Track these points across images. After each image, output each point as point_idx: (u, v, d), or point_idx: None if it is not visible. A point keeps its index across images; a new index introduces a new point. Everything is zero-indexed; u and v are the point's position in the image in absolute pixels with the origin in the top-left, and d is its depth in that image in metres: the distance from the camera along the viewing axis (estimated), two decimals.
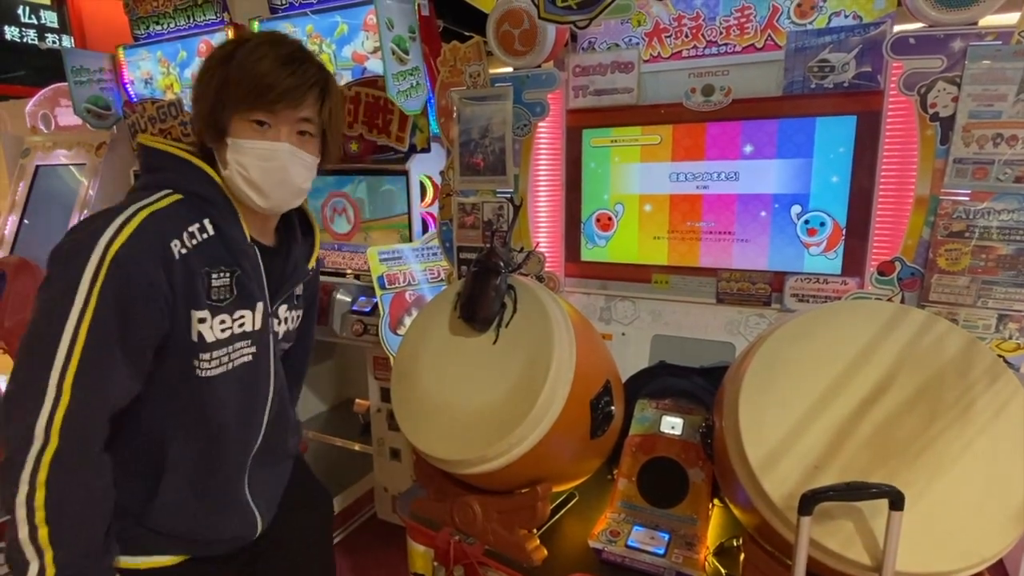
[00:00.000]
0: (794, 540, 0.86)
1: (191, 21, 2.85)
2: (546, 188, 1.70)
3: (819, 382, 0.99)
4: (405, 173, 2.24)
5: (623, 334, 1.63)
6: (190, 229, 1.01)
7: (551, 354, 1.09)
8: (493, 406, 1.11)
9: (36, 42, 4.38)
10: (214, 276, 1.02)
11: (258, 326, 1.11)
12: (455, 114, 1.68)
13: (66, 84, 3.04)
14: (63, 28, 4.52)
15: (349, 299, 2.30)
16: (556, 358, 1.09)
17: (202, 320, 1.01)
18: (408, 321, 2.09)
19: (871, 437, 0.93)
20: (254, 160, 1.04)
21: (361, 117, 2.25)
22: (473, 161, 1.67)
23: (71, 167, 3.24)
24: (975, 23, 1.15)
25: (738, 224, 1.51)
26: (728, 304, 1.52)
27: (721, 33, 1.51)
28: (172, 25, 2.93)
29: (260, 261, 1.12)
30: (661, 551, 1.09)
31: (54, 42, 4.44)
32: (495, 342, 1.18)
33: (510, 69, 1.63)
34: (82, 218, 1.00)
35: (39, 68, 4.24)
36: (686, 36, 1.55)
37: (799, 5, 1.42)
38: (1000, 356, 1.07)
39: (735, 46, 1.50)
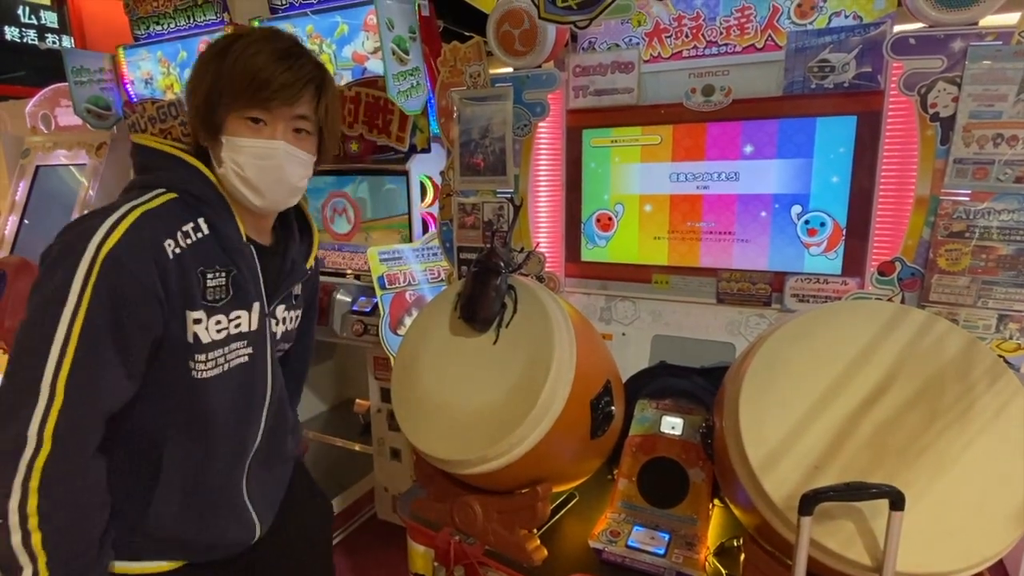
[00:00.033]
0: (794, 540, 0.86)
1: (191, 21, 2.85)
2: (546, 188, 1.70)
3: (819, 382, 0.99)
4: (405, 173, 2.24)
5: (623, 334, 1.63)
6: (184, 228, 0.99)
7: (551, 354, 1.09)
8: (493, 406, 1.11)
9: (36, 42, 4.38)
10: (209, 276, 1.01)
11: (255, 327, 1.09)
12: (455, 114, 1.68)
13: (66, 84, 3.04)
14: (63, 28, 4.52)
15: (349, 299, 2.30)
16: (556, 358, 1.09)
17: (197, 321, 0.99)
18: (408, 321, 2.09)
19: (871, 437, 0.93)
20: (249, 158, 1.03)
21: (361, 117, 2.25)
22: (473, 161, 1.67)
23: (71, 167, 3.24)
24: (975, 23, 1.15)
25: (738, 224, 1.51)
26: (728, 304, 1.52)
27: (721, 33, 1.51)
28: (172, 25, 2.93)
29: (256, 261, 1.10)
30: (661, 551, 1.10)
31: (54, 42, 4.44)
32: (495, 342, 1.18)
33: (510, 69, 1.63)
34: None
35: (39, 68, 4.23)
36: (686, 36, 1.55)
37: (799, 5, 1.42)
38: (1000, 356, 1.07)
39: (735, 46, 1.50)
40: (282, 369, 1.23)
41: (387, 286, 2.10)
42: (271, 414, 1.15)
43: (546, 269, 1.66)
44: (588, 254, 1.71)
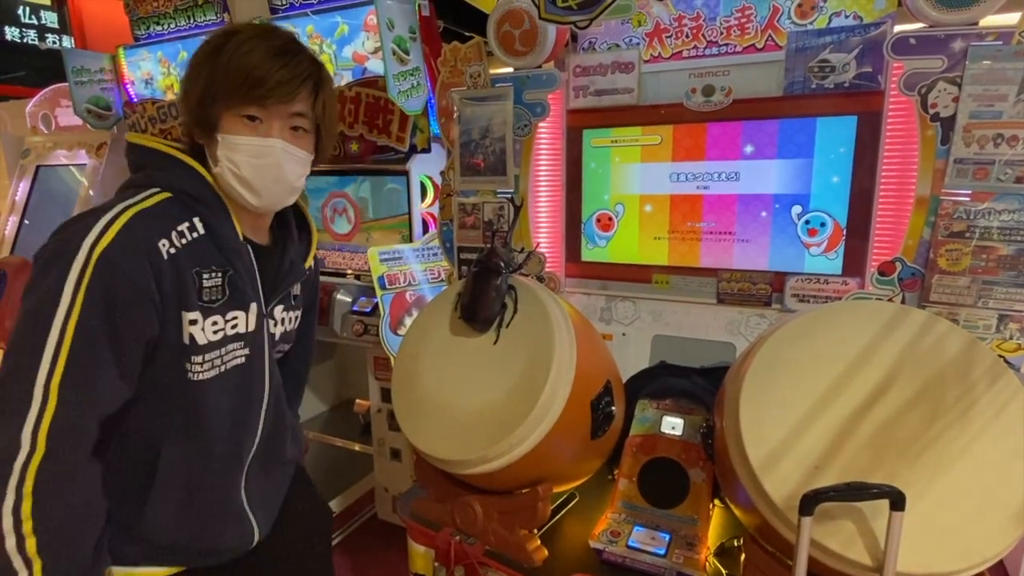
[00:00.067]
0: (795, 540, 0.86)
1: (191, 21, 2.86)
2: (546, 188, 1.70)
3: (820, 382, 0.99)
4: (406, 173, 2.24)
5: (623, 334, 1.63)
6: (179, 228, 0.98)
7: (552, 354, 1.09)
8: (494, 406, 1.11)
9: (36, 42, 4.38)
10: (205, 276, 0.99)
11: (252, 327, 1.08)
12: (456, 114, 1.68)
13: (66, 84, 3.03)
14: (63, 28, 4.52)
15: (349, 299, 2.30)
16: (557, 358, 1.09)
17: (193, 322, 0.98)
18: (408, 321, 2.09)
19: (872, 437, 0.93)
20: (245, 157, 1.01)
21: (362, 117, 2.25)
22: (473, 161, 1.67)
23: (72, 167, 3.24)
24: (976, 23, 1.15)
25: (739, 224, 1.51)
26: (729, 304, 1.52)
27: (722, 33, 1.51)
28: (172, 25, 2.93)
29: (253, 260, 1.08)
30: (662, 551, 1.10)
31: (54, 42, 4.44)
32: (496, 342, 1.18)
33: (511, 69, 1.63)
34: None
35: (39, 68, 4.23)
36: (686, 36, 1.55)
37: (799, 5, 1.42)
38: (1001, 356, 1.07)
39: (736, 46, 1.50)
40: (282, 370, 1.22)
41: (387, 286, 2.10)
42: (269, 416, 1.14)
43: (546, 269, 1.66)
44: (588, 254, 1.71)
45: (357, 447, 2.49)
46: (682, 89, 1.49)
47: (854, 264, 1.39)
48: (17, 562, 0.84)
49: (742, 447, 0.96)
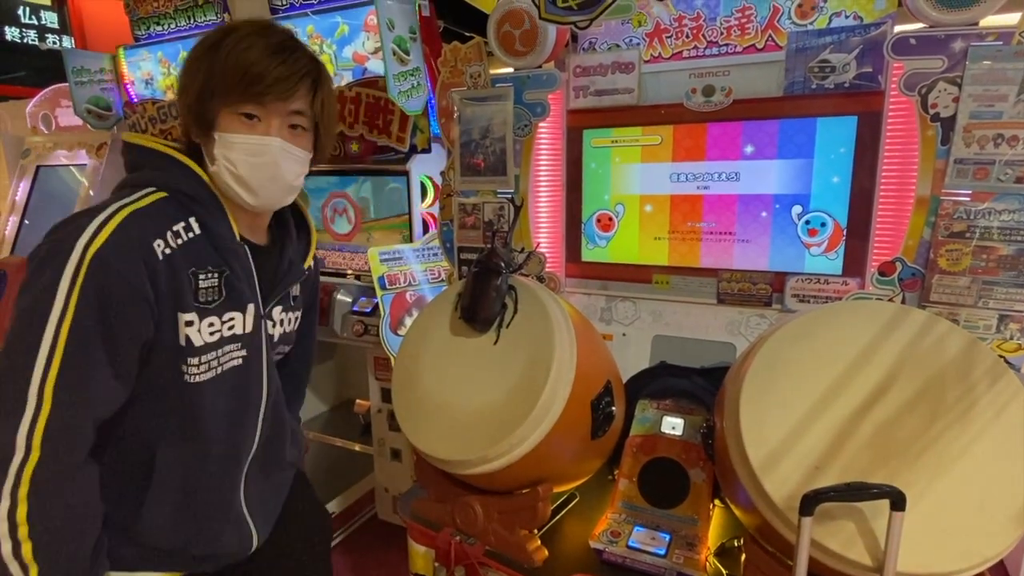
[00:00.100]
0: (795, 541, 0.86)
1: (192, 22, 2.86)
2: (547, 188, 1.70)
3: (820, 382, 0.99)
4: (406, 174, 2.24)
5: (624, 334, 1.63)
6: (175, 228, 0.96)
7: (552, 354, 1.09)
8: (494, 406, 1.11)
9: (36, 43, 4.38)
10: (201, 277, 0.98)
11: (249, 329, 1.06)
12: (456, 114, 1.68)
13: (67, 85, 3.04)
14: (63, 29, 4.52)
15: (350, 299, 2.30)
16: (557, 359, 1.09)
17: (189, 323, 0.96)
18: (409, 322, 2.09)
19: (872, 437, 0.93)
20: (242, 155, 1.00)
21: (362, 117, 2.25)
22: (474, 161, 1.67)
23: (72, 168, 3.24)
24: (976, 23, 1.15)
25: (739, 224, 1.51)
26: (729, 304, 1.52)
27: (722, 33, 1.51)
28: (173, 26, 2.93)
29: (251, 261, 1.07)
30: (662, 552, 1.10)
31: (54, 43, 4.44)
32: (496, 343, 1.18)
33: (511, 69, 1.63)
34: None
35: (39, 69, 4.24)
36: (687, 36, 1.55)
37: (800, 5, 1.42)
38: (1001, 356, 1.07)
39: (736, 46, 1.50)
40: (282, 372, 1.21)
41: (387, 286, 2.10)
42: (268, 419, 1.12)
43: (546, 269, 1.66)
44: (588, 254, 1.71)
45: (357, 447, 2.49)
46: (682, 89, 1.49)
47: (854, 264, 1.39)
48: (13, 568, 0.83)
49: (742, 447, 0.96)
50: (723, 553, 1.16)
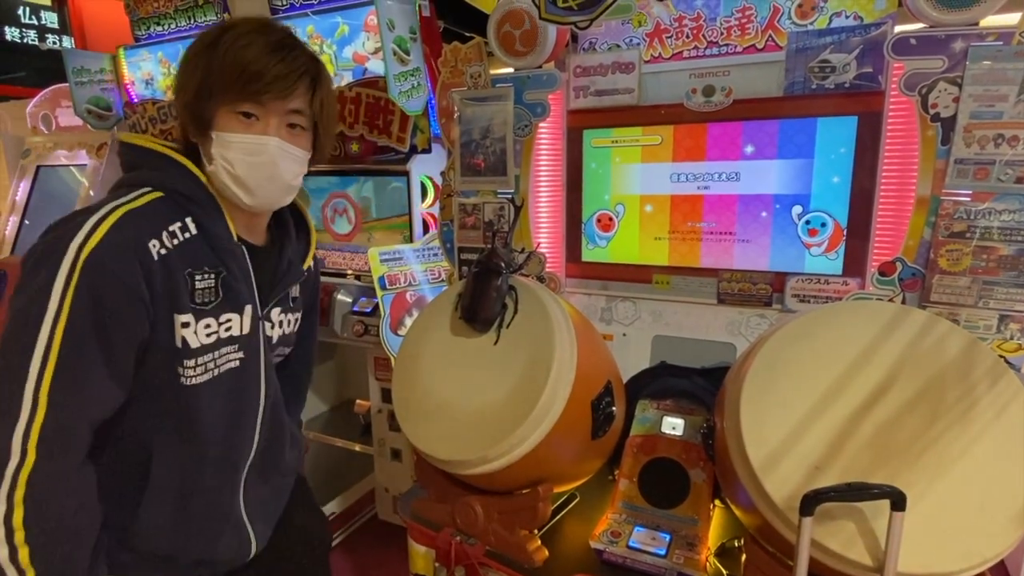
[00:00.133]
0: (795, 541, 0.86)
1: (192, 22, 2.86)
2: (547, 189, 1.70)
3: (820, 383, 0.99)
4: (406, 174, 2.24)
5: (624, 335, 1.63)
6: (171, 228, 0.95)
7: (552, 355, 1.09)
8: (494, 407, 1.11)
9: (37, 43, 4.38)
10: (197, 278, 0.97)
11: (247, 330, 1.05)
12: (456, 115, 1.68)
13: (67, 85, 3.04)
14: (63, 29, 4.52)
15: (350, 300, 2.30)
16: (557, 359, 1.09)
17: (186, 324, 0.95)
18: (409, 322, 2.09)
19: (872, 438, 0.93)
20: (240, 155, 0.98)
21: (362, 118, 2.25)
22: (474, 162, 1.67)
23: (72, 168, 3.24)
24: (976, 23, 1.15)
25: (739, 224, 1.51)
26: (729, 305, 1.52)
27: (722, 34, 1.51)
28: (173, 26, 2.93)
29: (248, 261, 1.06)
30: (662, 552, 1.09)
31: (55, 43, 4.44)
32: (496, 343, 1.18)
33: (511, 70, 1.63)
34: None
35: (40, 69, 4.24)
36: (687, 37, 1.55)
37: (800, 6, 1.42)
38: (1001, 357, 1.07)
39: (736, 47, 1.50)
40: (282, 374, 1.20)
41: (388, 287, 2.10)
42: (266, 422, 1.11)
43: (547, 269, 1.66)
44: (589, 254, 1.71)
45: (357, 447, 2.49)
46: (682, 89, 1.49)
47: (855, 264, 1.39)
48: (11, 573, 0.83)
49: (743, 447, 0.96)
50: (723, 553, 1.16)
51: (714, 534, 1.18)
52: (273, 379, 1.13)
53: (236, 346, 1.04)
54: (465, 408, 1.13)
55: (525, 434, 1.07)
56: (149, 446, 0.99)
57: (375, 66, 2.36)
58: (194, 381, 0.98)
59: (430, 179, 2.31)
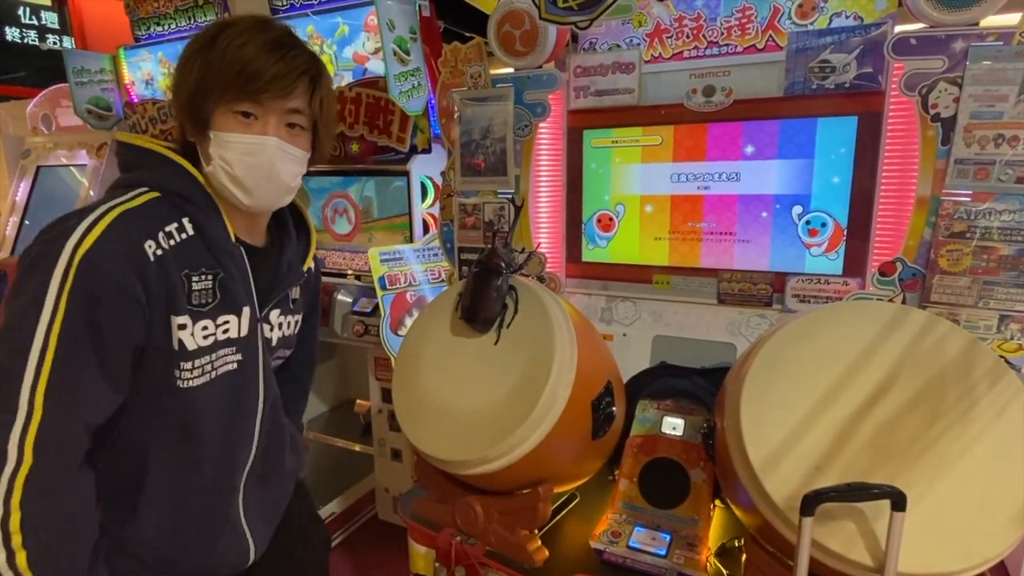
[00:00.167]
0: (796, 541, 0.86)
1: (192, 22, 2.86)
2: (547, 189, 1.70)
3: (821, 383, 0.99)
4: (406, 174, 2.24)
5: (624, 335, 1.63)
6: (167, 229, 0.94)
7: (552, 355, 1.09)
8: (494, 407, 1.11)
9: (37, 43, 4.38)
10: (194, 279, 0.95)
11: (245, 332, 1.03)
12: (456, 115, 1.68)
13: (67, 85, 3.04)
14: (64, 29, 4.52)
15: (350, 300, 2.30)
16: (557, 359, 1.09)
17: (182, 326, 0.94)
18: (409, 322, 2.09)
19: (873, 438, 0.93)
20: (238, 155, 0.97)
21: (362, 118, 2.25)
22: (474, 162, 1.67)
23: (72, 168, 3.25)
24: (976, 24, 1.15)
25: (739, 225, 1.51)
26: (729, 305, 1.52)
27: (722, 34, 1.51)
28: (173, 26, 2.94)
29: (246, 262, 1.04)
30: (663, 552, 1.09)
31: (55, 43, 4.44)
32: (496, 343, 1.18)
33: (511, 70, 1.63)
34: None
35: (40, 69, 4.24)
36: (687, 37, 1.55)
37: (800, 6, 1.42)
38: (1001, 357, 1.07)
39: (736, 47, 1.50)
40: (283, 376, 1.19)
41: (388, 287, 2.10)
42: (265, 425, 1.10)
43: (547, 270, 1.66)
44: (589, 255, 1.71)
45: (358, 447, 2.49)
46: (683, 89, 1.49)
47: (855, 264, 1.39)
48: None
49: (743, 447, 0.96)
50: (724, 553, 1.16)
51: (714, 534, 1.18)
52: (272, 382, 1.12)
53: (234, 348, 1.03)
54: (465, 408, 1.13)
55: (525, 434, 1.07)
56: (145, 449, 0.97)
57: (375, 66, 2.36)
58: (191, 384, 0.97)
59: (430, 179, 2.31)
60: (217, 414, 1.02)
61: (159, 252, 0.92)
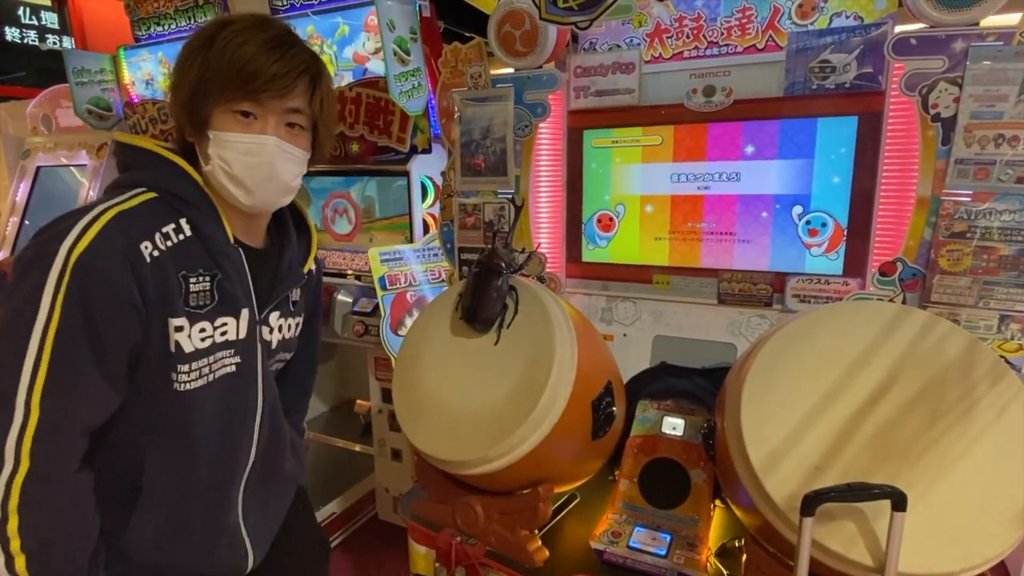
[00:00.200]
0: (796, 541, 0.86)
1: (192, 22, 2.86)
2: (547, 189, 1.70)
3: (821, 383, 0.99)
4: (406, 174, 2.24)
5: (624, 335, 1.63)
6: (164, 230, 0.92)
7: (552, 355, 1.09)
8: (494, 407, 1.11)
9: (37, 43, 4.38)
10: (192, 280, 0.94)
11: (243, 335, 1.02)
12: (456, 115, 1.68)
13: (67, 85, 3.04)
14: (64, 29, 4.52)
15: (350, 300, 2.30)
16: (558, 359, 1.09)
17: (179, 328, 0.92)
18: (409, 322, 2.09)
19: (873, 438, 0.93)
20: (237, 155, 0.96)
21: (362, 118, 2.25)
22: (474, 162, 1.67)
23: (72, 168, 3.25)
24: (976, 24, 1.15)
25: (739, 225, 1.51)
26: (729, 305, 1.51)
27: (722, 34, 1.51)
28: (173, 26, 2.94)
29: (245, 264, 1.03)
30: (663, 552, 1.09)
31: (55, 43, 4.44)
32: (496, 343, 1.18)
33: (511, 70, 1.63)
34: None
35: (40, 69, 4.24)
36: (687, 37, 1.55)
37: (800, 6, 1.42)
38: (1002, 357, 1.07)
39: (736, 47, 1.50)
40: (284, 380, 1.18)
41: (388, 287, 2.10)
42: (265, 429, 1.08)
43: (547, 270, 1.66)
44: (589, 255, 1.71)
45: (358, 447, 2.49)
46: (683, 89, 1.49)
47: (855, 264, 1.39)
48: None
49: (743, 447, 0.96)
50: (724, 553, 1.16)
51: (715, 534, 1.18)
52: (271, 385, 1.10)
53: (232, 351, 1.01)
54: (465, 408, 1.13)
55: (525, 434, 1.07)
56: (142, 453, 0.96)
57: (375, 66, 2.36)
58: (188, 387, 0.96)
59: (430, 179, 2.31)
60: (215, 417, 1.00)
61: (155, 253, 0.90)
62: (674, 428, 1.29)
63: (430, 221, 2.33)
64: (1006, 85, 1.12)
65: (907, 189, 1.28)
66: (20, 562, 0.81)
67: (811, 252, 1.44)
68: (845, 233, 1.39)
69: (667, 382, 1.38)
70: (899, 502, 0.82)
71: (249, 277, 1.04)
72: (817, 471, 0.91)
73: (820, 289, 1.41)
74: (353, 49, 2.42)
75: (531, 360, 1.11)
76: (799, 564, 0.86)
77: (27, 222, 3.29)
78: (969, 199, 1.18)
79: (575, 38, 1.65)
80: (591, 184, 1.67)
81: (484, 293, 1.19)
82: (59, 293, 0.83)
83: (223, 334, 0.99)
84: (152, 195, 0.95)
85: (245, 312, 1.02)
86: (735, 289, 1.50)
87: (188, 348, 0.94)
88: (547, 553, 1.17)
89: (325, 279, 2.24)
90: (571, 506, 1.35)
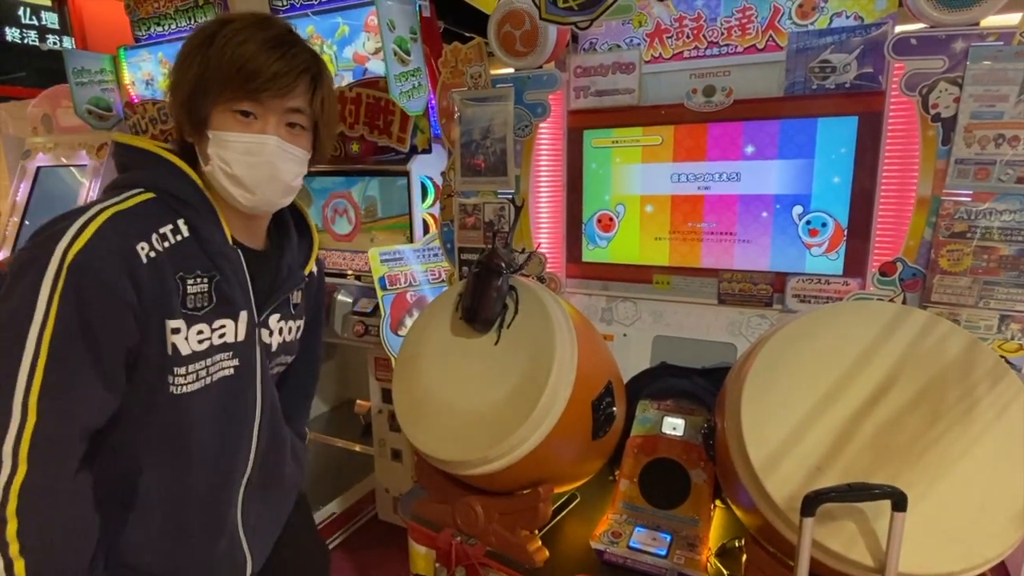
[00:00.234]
0: (796, 541, 0.86)
1: (192, 22, 2.86)
2: (547, 189, 1.70)
3: (821, 383, 0.99)
4: (406, 174, 2.24)
5: (624, 335, 1.63)
6: (161, 230, 0.91)
7: (553, 355, 1.09)
8: (495, 407, 1.10)
9: (37, 43, 4.39)
10: (189, 282, 0.93)
11: (242, 337, 1.00)
12: (456, 115, 1.68)
13: (67, 85, 3.04)
14: (64, 29, 4.53)
15: (350, 300, 2.30)
16: (558, 359, 1.09)
17: (176, 331, 0.91)
18: (409, 322, 2.09)
19: (873, 438, 0.93)
20: (237, 154, 0.95)
21: (362, 118, 2.25)
22: (474, 162, 1.67)
23: (72, 168, 3.25)
24: (977, 24, 1.15)
25: (740, 225, 1.51)
26: (730, 305, 1.51)
27: (722, 34, 1.51)
28: (173, 26, 2.94)
29: (244, 265, 1.01)
30: (663, 552, 1.09)
31: (55, 43, 4.44)
32: (497, 343, 1.18)
33: (511, 70, 1.63)
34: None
35: (40, 69, 4.25)
36: (687, 37, 1.55)
37: (800, 6, 1.42)
38: (1002, 357, 1.07)
39: (736, 47, 1.50)
40: (285, 383, 1.18)
41: (388, 287, 2.10)
42: (264, 434, 1.06)
43: (547, 270, 1.66)
44: (589, 255, 1.71)
45: (358, 448, 2.49)
46: (683, 89, 1.49)
47: (855, 264, 1.39)
48: None
49: (743, 447, 0.96)
50: (724, 554, 1.16)
51: (715, 534, 1.18)
52: (271, 389, 1.08)
53: (230, 353, 1.00)
54: (465, 408, 1.13)
55: (526, 434, 1.07)
56: (138, 457, 0.95)
57: (375, 66, 2.36)
58: (185, 390, 0.94)
59: (431, 179, 2.31)
60: (212, 420, 0.98)
61: (152, 254, 0.89)
62: (674, 428, 1.29)
63: (430, 221, 2.33)
64: (1006, 85, 1.12)
65: (907, 189, 1.28)
66: (19, 566, 0.80)
67: (811, 252, 1.44)
68: (845, 233, 1.39)
69: (667, 382, 1.38)
70: (899, 502, 0.82)
71: (248, 279, 1.03)
72: (817, 471, 0.91)
73: (820, 289, 1.41)
74: (353, 49, 2.42)
75: (531, 360, 1.11)
76: (799, 564, 0.86)
77: (27, 222, 3.29)
78: (969, 199, 1.18)
79: (575, 38, 1.65)
80: (591, 184, 1.67)
81: (484, 293, 1.19)
82: (55, 294, 0.82)
83: (221, 336, 0.98)
84: (150, 195, 0.94)
85: (244, 314, 1.01)
86: (735, 289, 1.50)
87: (185, 351, 0.93)
88: (547, 553, 1.17)
89: (325, 279, 2.24)
90: (571, 506, 1.35)
